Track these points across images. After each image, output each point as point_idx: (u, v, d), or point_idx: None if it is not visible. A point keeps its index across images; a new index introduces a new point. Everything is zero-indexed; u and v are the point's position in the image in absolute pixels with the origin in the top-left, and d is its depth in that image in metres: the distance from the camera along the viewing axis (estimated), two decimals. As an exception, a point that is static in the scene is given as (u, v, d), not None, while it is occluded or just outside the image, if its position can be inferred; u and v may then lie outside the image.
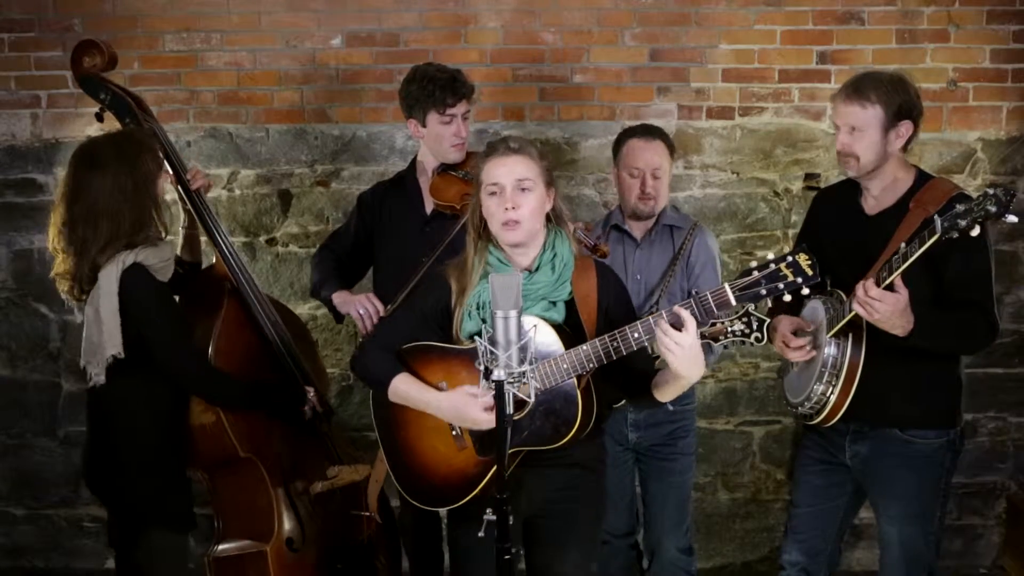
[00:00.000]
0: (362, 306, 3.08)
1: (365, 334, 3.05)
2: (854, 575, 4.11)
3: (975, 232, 2.32)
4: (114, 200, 2.62)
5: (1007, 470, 4.10)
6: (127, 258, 2.62)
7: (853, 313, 2.54)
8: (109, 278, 2.61)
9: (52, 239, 2.70)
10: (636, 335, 2.30)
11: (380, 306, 3.06)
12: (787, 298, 2.25)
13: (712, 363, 3.27)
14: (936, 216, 2.37)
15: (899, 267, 2.44)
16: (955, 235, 2.33)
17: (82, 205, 2.63)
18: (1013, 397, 4.06)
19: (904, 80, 2.73)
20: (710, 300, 2.25)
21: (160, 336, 2.67)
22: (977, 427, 4.05)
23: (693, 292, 2.29)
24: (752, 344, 2.27)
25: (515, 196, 2.42)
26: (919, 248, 2.39)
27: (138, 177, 2.66)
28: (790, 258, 2.23)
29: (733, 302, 2.24)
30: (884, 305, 2.45)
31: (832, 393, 2.65)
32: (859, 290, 2.48)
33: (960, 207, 2.33)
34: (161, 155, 2.81)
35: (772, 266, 2.23)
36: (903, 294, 2.46)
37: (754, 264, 2.26)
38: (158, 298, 2.69)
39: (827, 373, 2.66)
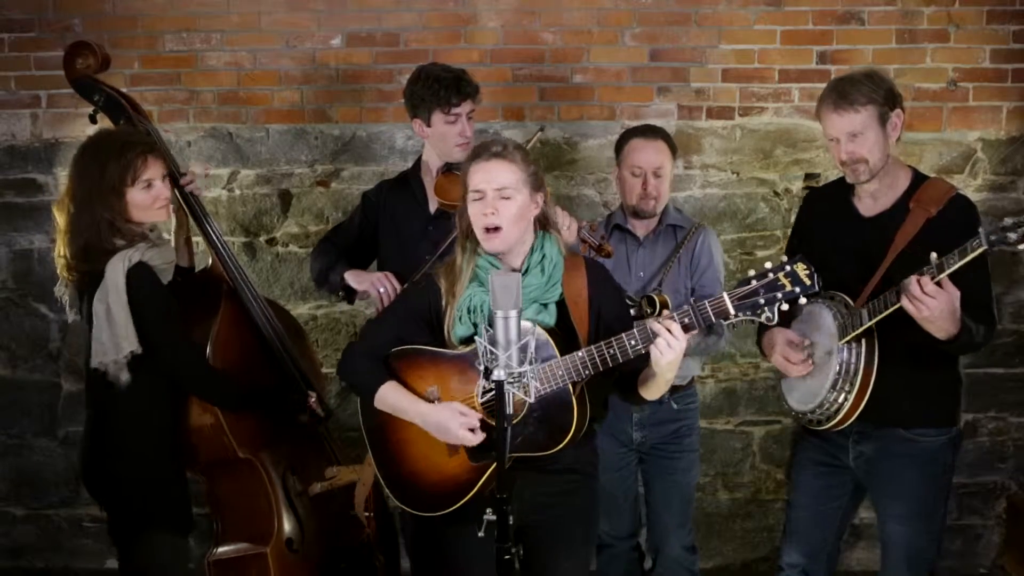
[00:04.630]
0: (381, 284, 3.02)
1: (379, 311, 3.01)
2: (854, 575, 4.11)
3: (1023, 247, 2.31)
4: (86, 194, 2.65)
5: (1007, 470, 4.10)
6: (133, 255, 2.63)
7: (892, 309, 2.50)
8: (116, 275, 2.61)
9: (56, 219, 2.76)
10: (632, 342, 2.31)
11: (398, 285, 3.02)
12: (784, 307, 2.26)
13: (723, 346, 3.27)
14: (981, 229, 2.35)
15: (936, 277, 2.41)
16: (1004, 247, 2.32)
17: (70, 193, 2.70)
18: (1013, 397, 4.06)
19: (877, 72, 2.74)
20: (708, 310, 2.27)
21: (165, 336, 2.68)
22: (977, 427, 4.05)
23: (691, 301, 2.30)
24: (764, 323, 2.28)
25: (496, 203, 2.41)
26: (959, 260, 2.38)
27: (106, 179, 2.65)
28: (788, 267, 2.24)
29: (732, 312, 2.26)
30: (937, 303, 2.41)
31: (847, 400, 2.64)
32: (914, 286, 2.43)
33: (1009, 220, 2.32)
34: (147, 158, 2.73)
35: (770, 276, 2.24)
36: (955, 293, 2.43)
37: (752, 273, 2.26)
38: (163, 298, 2.70)
39: (841, 380, 2.64)
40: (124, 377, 2.63)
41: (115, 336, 2.61)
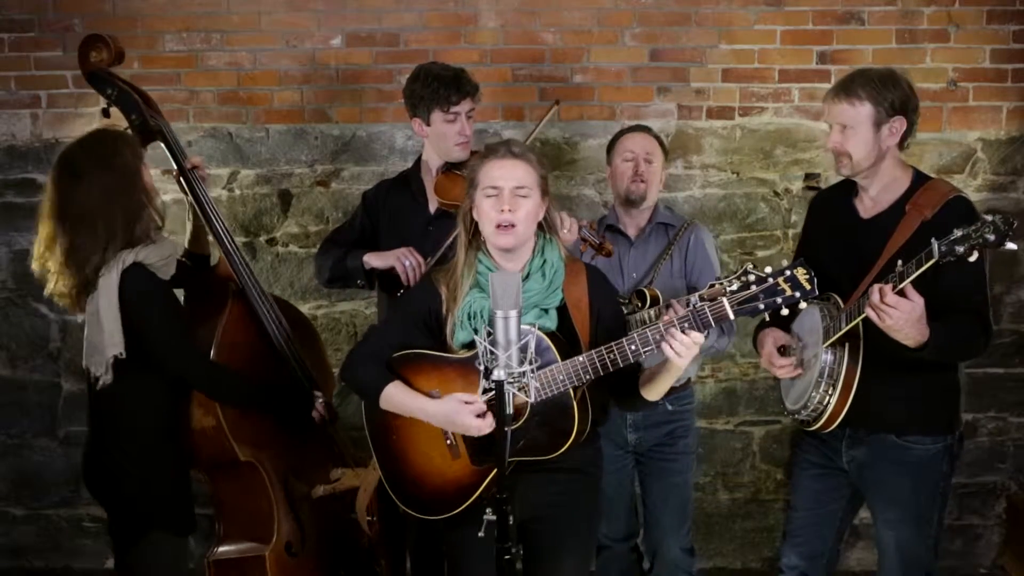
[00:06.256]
0: (406, 258, 2.99)
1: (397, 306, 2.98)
2: (854, 575, 4.10)
3: (973, 258, 2.30)
4: (101, 203, 2.61)
5: (1007, 470, 4.10)
6: (127, 257, 2.62)
7: (860, 318, 2.49)
8: (109, 278, 2.61)
9: (39, 256, 2.67)
10: (633, 347, 2.31)
11: (422, 259, 2.99)
12: (784, 312, 2.26)
13: (728, 345, 3.28)
14: (934, 240, 2.34)
15: (897, 286, 2.40)
16: (952, 259, 2.31)
17: (73, 216, 2.62)
18: (1013, 397, 4.06)
19: (895, 76, 2.69)
20: (708, 314, 2.27)
21: (160, 335, 2.67)
22: (977, 427, 4.05)
23: (691, 307, 2.30)
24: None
25: (512, 200, 2.40)
26: (915, 270, 2.37)
27: (117, 175, 2.64)
28: (788, 272, 2.25)
29: (731, 316, 2.26)
30: (899, 312, 2.39)
31: (830, 401, 2.63)
32: (874, 295, 2.42)
33: (959, 232, 2.30)
34: (139, 148, 2.74)
35: (770, 280, 2.24)
36: (918, 302, 2.40)
37: (752, 277, 2.26)
38: (157, 296, 2.68)
39: (824, 382, 2.64)
40: (107, 378, 2.63)
41: (100, 339, 2.61)
